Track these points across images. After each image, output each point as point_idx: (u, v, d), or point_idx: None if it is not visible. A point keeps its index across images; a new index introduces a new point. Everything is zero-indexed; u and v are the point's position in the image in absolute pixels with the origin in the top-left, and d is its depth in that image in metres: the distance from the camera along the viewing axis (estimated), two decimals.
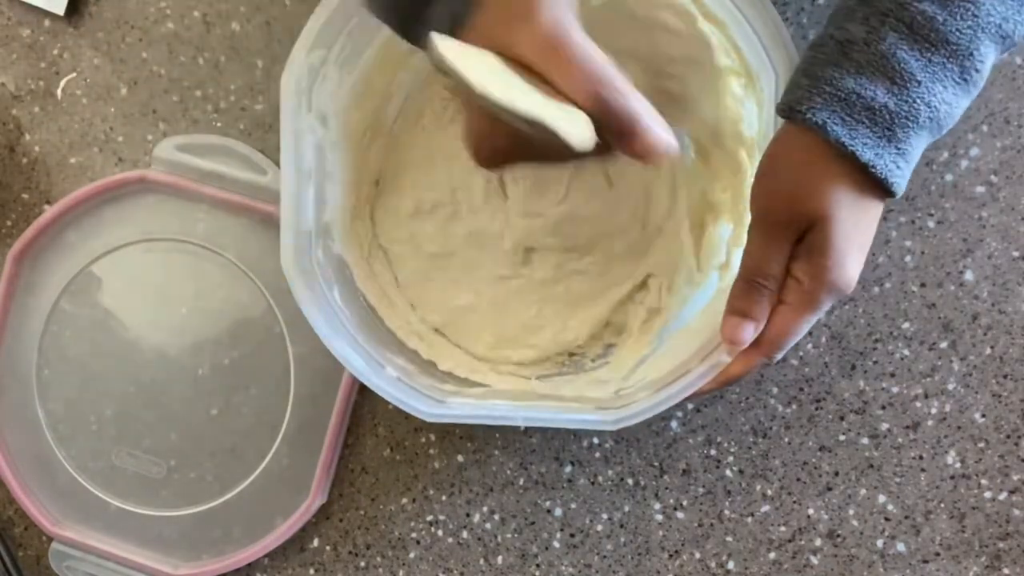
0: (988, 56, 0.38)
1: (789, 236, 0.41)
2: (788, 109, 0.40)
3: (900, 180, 0.39)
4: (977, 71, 0.38)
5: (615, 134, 0.34)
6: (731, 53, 0.48)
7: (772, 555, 0.57)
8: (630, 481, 0.58)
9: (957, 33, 0.37)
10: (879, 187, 0.39)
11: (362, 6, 0.39)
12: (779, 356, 0.44)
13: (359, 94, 0.52)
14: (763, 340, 0.43)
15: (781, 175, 0.41)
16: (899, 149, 0.38)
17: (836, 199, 0.39)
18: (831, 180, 0.39)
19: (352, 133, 0.53)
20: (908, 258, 0.55)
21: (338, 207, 0.53)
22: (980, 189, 0.54)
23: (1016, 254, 0.54)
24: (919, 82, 0.37)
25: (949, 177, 0.54)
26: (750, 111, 0.49)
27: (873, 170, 0.38)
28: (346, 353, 0.49)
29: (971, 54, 0.37)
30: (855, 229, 0.40)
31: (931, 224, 0.55)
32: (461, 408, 0.50)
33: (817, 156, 0.39)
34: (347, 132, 0.53)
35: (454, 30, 0.36)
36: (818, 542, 0.57)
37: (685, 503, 0.57)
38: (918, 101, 0.37)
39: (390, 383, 0.49)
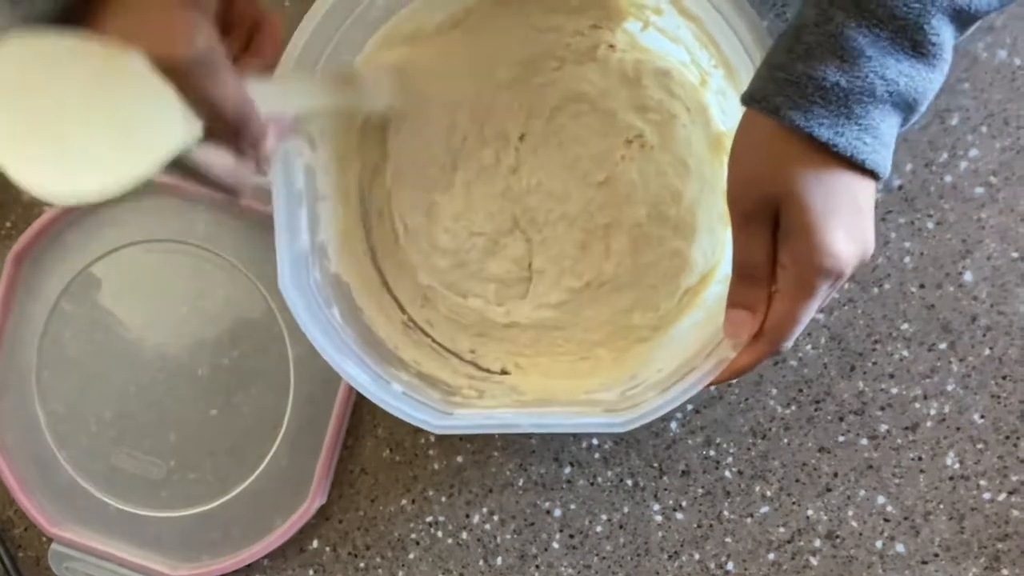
0: (943, 29, 0.38)
1: (761, 220, 0.41)
2: (748, 98, 0.40)
3: (873, 156, 0.39)
4: (933, 44, 0.38)
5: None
6: (708, 47, 0.49)
7: (771, 556, 0.57)
8: (629, 482, 0.58)
9: (904, 8, 0.37)
10: (849, 164, 0.39)
11: None
12: (786, 345, 0.43)
13: (343, 117, 0.53)
14: (764, 330, 0.43)
15: (743, 162, 0.41)
16: (860, 124, 0.38)
17: (799, 178, 0.39)
18: (791, 160, 0.39)
19: (338, 156, 0.54)
20: (907, 259, 0.55)
21: (332, 226, 0.53)
22: (979, 190, 0.54)
23: (1015, 255, 0.54)
24: (869, 57, 0.38)
25: (948, 178, 0.54)
26: (732, 103, 0.49)
27: (835, 148, 0.38)
28: (352, 371, 0.49)
29: (921, 27, 0.37)
30: (830, 206, 0.40)
31: (930, 225, 0.55)
32: (469, 419, 0.50)
33: (777, 139, 0.39)
34: (335, 155, 0.53)
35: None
36: (817, 543, 0.57)
37: (684, 504, 0.57)
38: (871, 75, 0.38)
39: (398, 398, 0.49)
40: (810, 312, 0.42)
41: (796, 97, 0.38)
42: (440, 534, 0.60)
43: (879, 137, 0.39)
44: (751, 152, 0.41)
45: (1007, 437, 0.55)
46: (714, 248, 0.55)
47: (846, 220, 0.40)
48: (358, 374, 0.49)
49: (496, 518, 0.59)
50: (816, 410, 0.56)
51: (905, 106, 0.39)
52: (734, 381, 0.56)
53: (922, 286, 0.55)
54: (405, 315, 0.57)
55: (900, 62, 0.38)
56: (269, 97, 0.39)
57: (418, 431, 0.59)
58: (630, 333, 0.56)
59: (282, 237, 0.48)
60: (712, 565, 0.57)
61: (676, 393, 0.46)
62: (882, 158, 0.40)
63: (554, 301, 0.56)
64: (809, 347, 0.56)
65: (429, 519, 0.60)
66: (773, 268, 0.42)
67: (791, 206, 0.40)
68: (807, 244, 0.40)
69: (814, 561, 0.57)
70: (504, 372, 0.57)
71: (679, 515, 0.58)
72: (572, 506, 0.58)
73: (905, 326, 0.55)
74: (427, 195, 0.56)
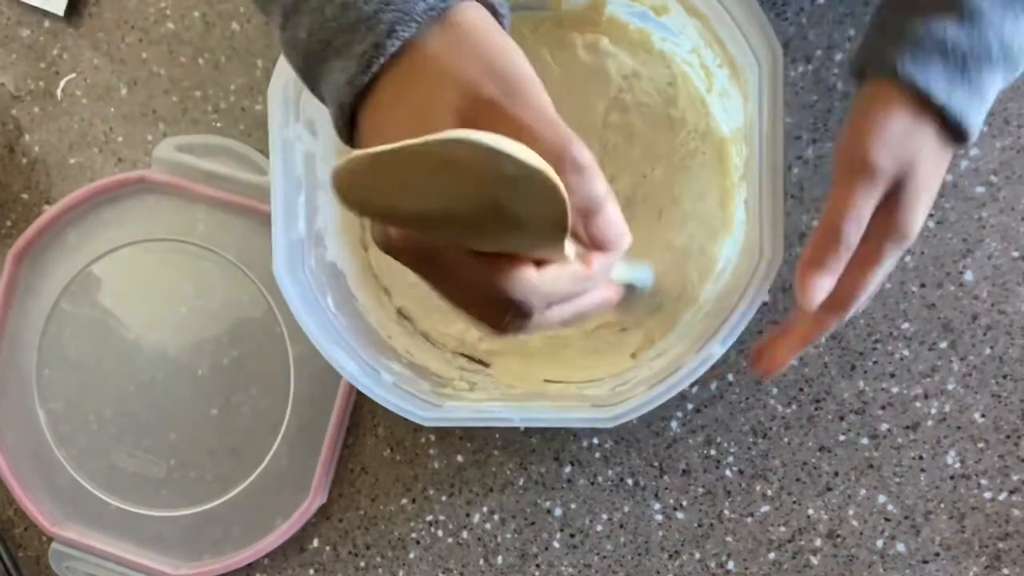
0: None
1: (880, 187, 0.40)
2: (862, 67, 0.40)
3: (975, 119, 0.39)
4: None
5: (577, 209, 0.31)
6: (713, 46, 0.49)
7: (772, 555, 0.57)
8: (630, 481, 0.58)
9: None
10: (955, 130, 0.39)
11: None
12: (850, 314, 0.43)
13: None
14: (836, 296, 0.42)
15: (869, 132, 0.40)
16: (972, 86, 0.38)
17: (922, 150, 0.39)
18: (918, 132, 0.39)
19: (339, 144, 0.53)
20: (908, 258, 0.55)
21: (330, 214, 0.53)
22: (980, 189, 0.54)
23: (1016, 254, 0.54)
24: (988, 15, 0.37)
25: (949, 177, 0.54)
26: (735, 102, 0.49)
27: (947, 111, 0.38)
28: (340, 359, 0.49)
29: None
30: (932, 179, 0.40)
31: (931, 224, 0.55)
32: (458, 411, 0.50)
33: (901, 108, 0.39)
34: (336, 143, 0.53)
35: (356, 98, 0.32)
36: (818, 542, 0.57)
37: (685, 503, 0.57)
38: (989, 34, 0.37)
39: (386, 388, 0.49)
40: (878, 282, 0.42)
41: (917, 55, 0.37)
42: (440, 533, 0.60)
43: (984, 101, 0.39)
44: (876, 123, 0.39)
45: (1008, 436, 0.55)
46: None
47: (933, 192, 0.40)
48: (347, 363, 0.49)
49: (496, 517, 0.59)
50: (817, 409, 0.56)
51: (1009, 69, 0.39)
52: (733, 381, 0.56)
53: (923, 285, 0.55)
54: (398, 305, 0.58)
55: (1018, 20, 0.37)
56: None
57: (418, 430, 0.59)
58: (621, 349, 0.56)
59: (278, 223, 0.48)
60: (713, 564, 0.57)
61: (664, 388, 0.46)
62: (980, 123, 0.39)
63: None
64: (809, 346, 0.56)
65: (429, 518, 0.60)
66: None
67: (911, 178, 0.39)
68: (901, 216, 0.39)
69: (815, 560, 0.57)
70: (483, 363, 0.57)
71: (680, 514, 0.58)
72: (572, 505, 0.58)
73: (906, 325, 0.55)
74: None
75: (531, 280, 0.31)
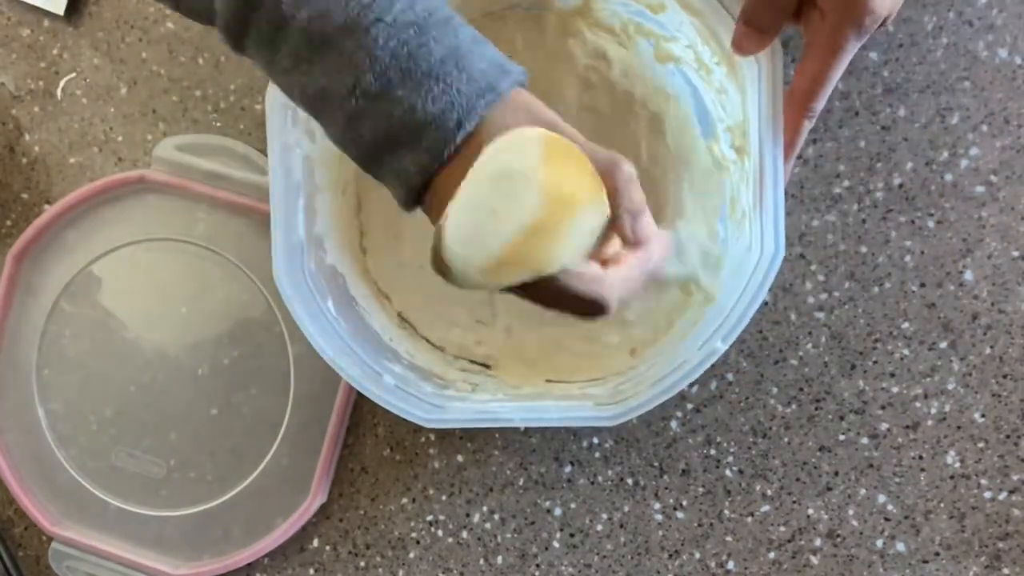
0: None
1: None
2: None
3: None
4: None
5: (628, 211, 0.37)
6: (710, 43, 0.49)
7: (772, 555, 0.57)
8: (630, 481, 0.58)
9: None
10: None
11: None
12: (818, 108, 0.43)
13: None
14: (795, 93, 0.42)
15: None
16: None
17: None
18: None
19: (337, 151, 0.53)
20: (908, 258, 0.55)
21: (329, 218, 0.53)
22: (980, 189, 0.54)
23: (1016, 254, 0.54)
24: None
25: (949, 177, 0.54)
26: (733, 99, 0.49)
27: None
28: (342, 363, 0.49)
29: None
30: None
31: (931, 224, 0.55)
32: (460, 412, 0.50)
33: None
34: (333, 148, 0.53)
35: (427, 181, 0.37)
36: (818, 542, 0.57)
37: (685, 503, 0.57)
38: None
39: (388, 391, 0.49)
40: (840, 70, 0.41)
41: None
42: (440, 533, 0.60)
43: None
44: None
45: (1008, 436, 0.55)
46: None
47: None
48: (348, 366, 0.49)
49: (496, 517, 0.59)
50: (817, 409, 0.56)
51: None
52: (733, 380, 0.56)
53: (923, 285, 0.55)
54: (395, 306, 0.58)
55: None
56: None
57: (418, 430, 0.59)
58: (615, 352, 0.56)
59: (278, 227, 0.48)
60: (713, 564, 0.57)
61: (667, 385, 0.46)
62: None
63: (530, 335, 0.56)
64: (810, 346, 0.56)
65: (429, 518, 0.60)
66: (798, 8, 0.41)
67: None
68: None
69: (815, 560, 0.57)
70: (486, 366, 0.57)
71: (680, 514, 0.58)
72: (572, 505, 0.58)
73: (906, 325, 0.55)
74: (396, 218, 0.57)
75: (596, 274, 0.37)
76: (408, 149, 0.36)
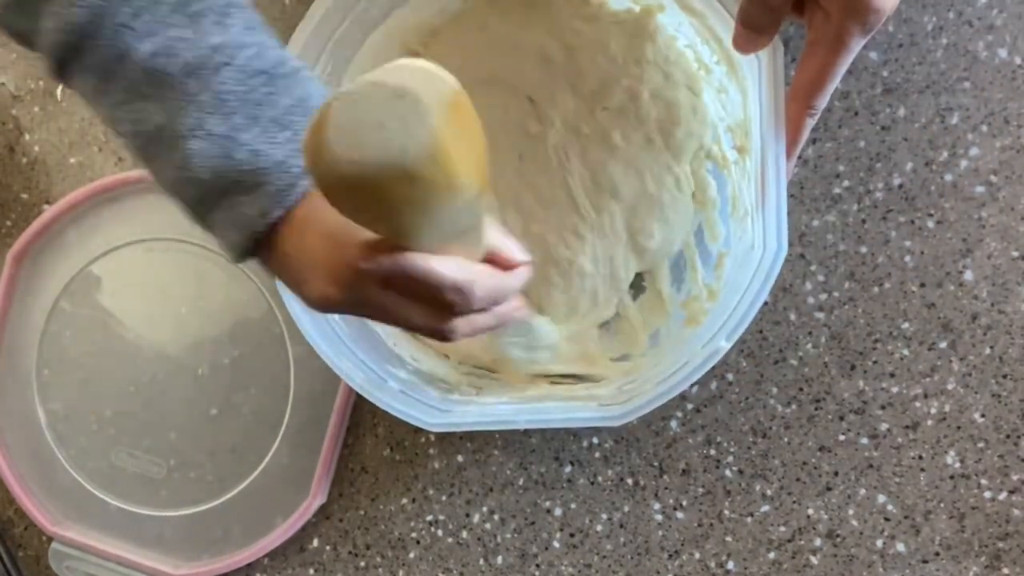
0: None
1: None
2: None
3: None
4: None
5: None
6: (710, 43, 0.49)
7: (772, 555, 0.57)
8: (630, 481, 0.58)
9: None
10: None
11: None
12: (822, 104, 0.42)
13: None
14: (798, 90, 0.42)
15: None
16: None
17: None
18: None
19: None
20: (908, 258, 0.55)
21: None
22: (980, 189, 0.54)
23: (1015, 254, 0.54)
24: None
25: (948, 177, 0.54)
26: (733, 98, 0.49)
27: None
28: (347, 369, 0.49)
29: None
30: None
31: (931, 224, 0.55)
32: (465, 416, 0.50)
33: None
34: None
35: (268, 227, 0.36)
36: (818, 542, 0.57)
37: (685, 503, 0.57)
38: None
39: (393, 396, 0.49)
40: (845, 67, 0.40)
41: None
42: (440, 533, 0.60)
43: None
44: None
45: (1008, 436, 0.55)
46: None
47: None
48: (353, 371, 0.49)
49: (496, 517, 0.59)
50: (816, 409, 0.56)
51: None
52: (733, 380, 0.56)
53: (923, 285, 0.55)
54: None
55: None
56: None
57: (418, 430, 0.59)
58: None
59: None
60: (712, 564, 0.57)
61: (672, 384, 0.46)
62: None
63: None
64: (809, 346, 0.56)
65: (429, 518, 0.60)
66: (799, 3, 0.40)
67: None
68: None
69: (815, 560, 0.57)
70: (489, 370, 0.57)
71: (679, 514, 0.58)
72: (572, 505, 0.58)
73: (905, 325, 0.55)
74: None
75: (472, 266, 0.37)
76: (249, 194, 0.36)
